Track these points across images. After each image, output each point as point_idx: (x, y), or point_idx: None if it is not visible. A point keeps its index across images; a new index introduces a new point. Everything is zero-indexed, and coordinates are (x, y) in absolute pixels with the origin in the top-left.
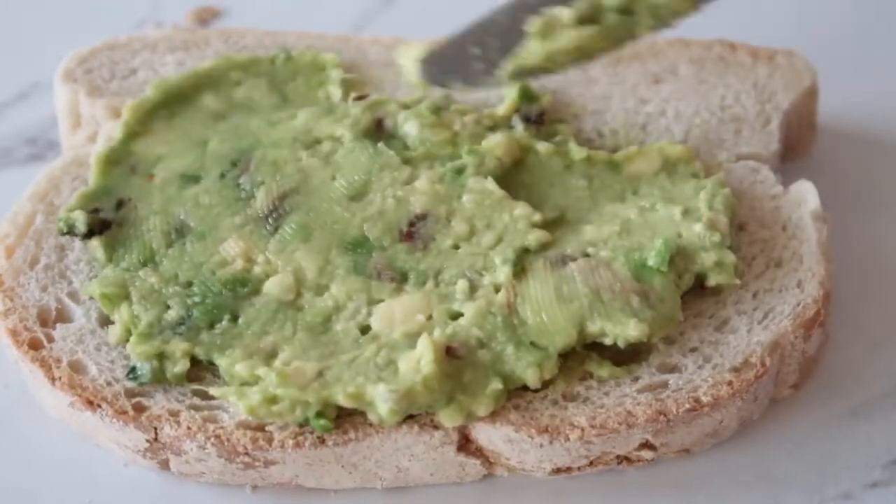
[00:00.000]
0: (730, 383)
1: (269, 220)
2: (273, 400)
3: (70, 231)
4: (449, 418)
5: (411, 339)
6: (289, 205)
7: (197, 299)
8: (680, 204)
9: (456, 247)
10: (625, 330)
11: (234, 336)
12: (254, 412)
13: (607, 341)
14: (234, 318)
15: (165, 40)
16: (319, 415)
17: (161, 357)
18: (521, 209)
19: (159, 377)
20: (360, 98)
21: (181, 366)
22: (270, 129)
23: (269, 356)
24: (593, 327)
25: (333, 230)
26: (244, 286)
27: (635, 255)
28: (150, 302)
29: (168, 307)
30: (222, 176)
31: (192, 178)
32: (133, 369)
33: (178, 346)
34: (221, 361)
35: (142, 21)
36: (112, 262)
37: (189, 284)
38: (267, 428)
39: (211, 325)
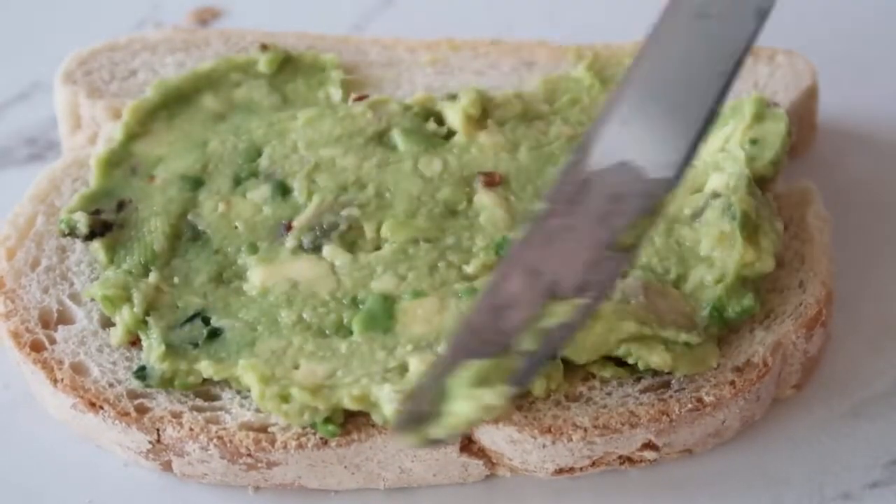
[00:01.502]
0: (732, 383)
1: (318, 229)
2: (285, 398)
3: (71, 232)
4: None
5: (431, 340)
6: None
7: (219, 307)
8: None
9: None
10: (648, 355)
11: (249, 343)
12: (263, 402)
13: (630, 360)
14: (254, 327)
15: (165, 41)
16: (327, 420)
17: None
18: None
19: (168, 385)
20: (360, 98)
21: (195, 377)
22: (308, 129)
23: (285, 358)
24: (621, 348)
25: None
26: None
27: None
28: (163, 310)
29: (185, 316)
30: (238, 181)
31: (193, 180)
32: (142, 369)
33: (202, 366)
34: (238, 370)
35: (142, 21)
36: (113, 264)
37: (205, 294)
38: (269, 429)
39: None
